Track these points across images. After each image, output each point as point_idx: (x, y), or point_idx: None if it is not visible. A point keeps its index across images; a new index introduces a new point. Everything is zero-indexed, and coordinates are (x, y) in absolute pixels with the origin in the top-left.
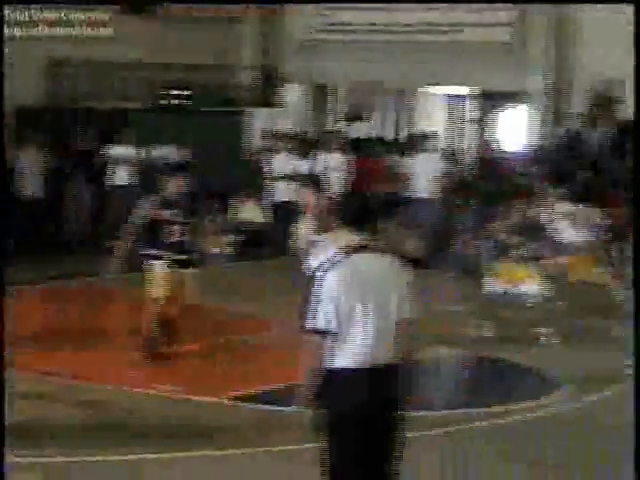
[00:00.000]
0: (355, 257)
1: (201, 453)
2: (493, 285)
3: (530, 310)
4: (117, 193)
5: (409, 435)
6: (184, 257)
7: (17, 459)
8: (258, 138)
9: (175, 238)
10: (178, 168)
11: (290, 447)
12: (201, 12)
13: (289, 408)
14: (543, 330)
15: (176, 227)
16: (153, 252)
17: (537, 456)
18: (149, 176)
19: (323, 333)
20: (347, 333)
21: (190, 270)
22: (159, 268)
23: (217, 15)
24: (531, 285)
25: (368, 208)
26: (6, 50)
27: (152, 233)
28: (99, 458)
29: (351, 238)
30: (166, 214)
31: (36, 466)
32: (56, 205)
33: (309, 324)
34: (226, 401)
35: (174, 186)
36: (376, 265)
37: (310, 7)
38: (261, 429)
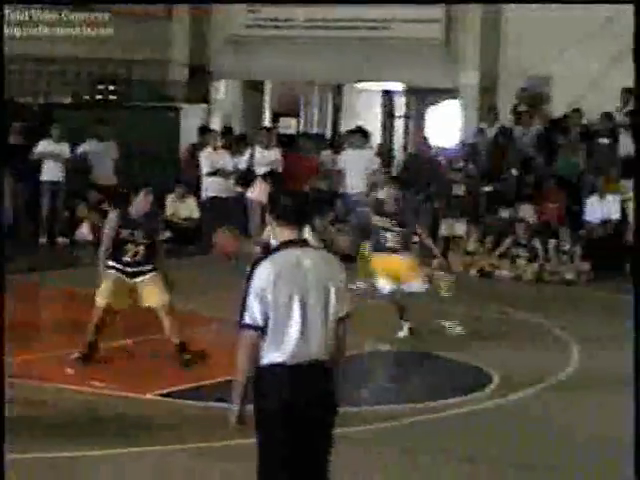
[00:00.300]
0: (287, 252)
1: (127, 450)
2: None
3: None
4: (47, 189)
5: (339, 431)
6: (136, 270)
7: None
8: (190, 134)
9: (129, 257)
10: (145, 185)
11: (217, 444)
12: (131, 7)
13: (219, 404)
14: (447, 322)
15: (131, 246)
16: (110, 263)
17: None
18: (78, 172)
19: (254, 328)
20: (277, 329)
21: (141, 278)
22: (108, 277)
23: (149, 11)
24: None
25: (304, 205)
26: None
27: (114, 246)
28: (30, 456)
29: (286, 234)
30: (125, 233)
31: None
32: None
33: (242, 319)
34: (152, 397)
35: (140, 204)
36: (309, 260)
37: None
38: (188, 425)
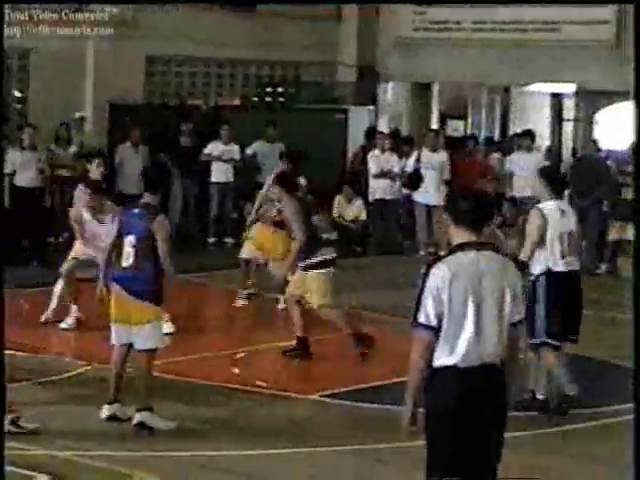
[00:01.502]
0: (463, 254)
1: (292, 450)
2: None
3: None
4: (216, 190)
5: (509, 435)
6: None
7: None
8: (358, 136)
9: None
10: None
11: (384, 445)
12: (299, 9)
13: (391, 406)
14: None
15: None
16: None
17: None
18: (247, 174)
19: (428, 328)
20: (451, 330)
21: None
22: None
23: (317, 13)
24: None
25: (482, 207)
26: (107, 48)
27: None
28: (200, 454)
29: (463, 236)
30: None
31: None
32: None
33: (416, 320)
34: (318, 397)
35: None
36: (485, 263)
37: (408, 5)
38: (354, 427)
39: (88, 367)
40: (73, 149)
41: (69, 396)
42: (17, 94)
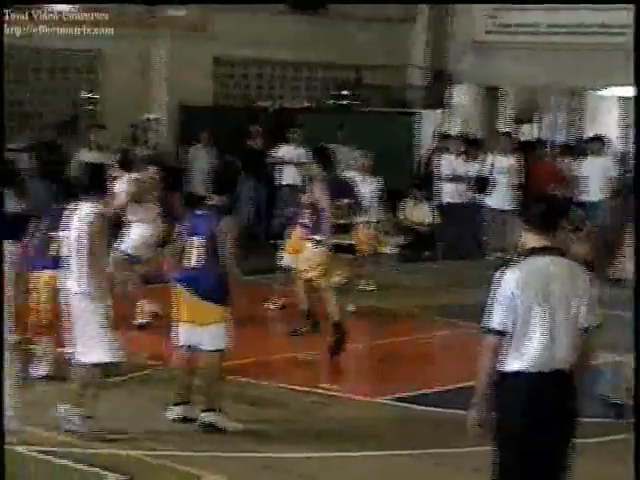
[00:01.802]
0: (535, 259)
1: (357, 454)
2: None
3: None
4: (285, 192)
5: (579, 442)
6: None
7: None
8: (428, 139)
9: None
10: None
11: (450, 450)
12: (370, 11)
13: (457, 410)
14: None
15: None
16: None
17: None
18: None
19: (499, 334)
20: (521, 335)
21: None
22: None
23: (388, 15)
24: None
25: (555, 212)
26: (172, 50)
27: None
28: (261, 455)
29: (535, 241)
30: None
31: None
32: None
33: (486, 324)
34: (383, 400)
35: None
36: (557, 268)
37: (479, 7)
38: (420, 431)
39: (157, 367)
40: (145, 151)
41: (138, 395)
42: (87, 95)
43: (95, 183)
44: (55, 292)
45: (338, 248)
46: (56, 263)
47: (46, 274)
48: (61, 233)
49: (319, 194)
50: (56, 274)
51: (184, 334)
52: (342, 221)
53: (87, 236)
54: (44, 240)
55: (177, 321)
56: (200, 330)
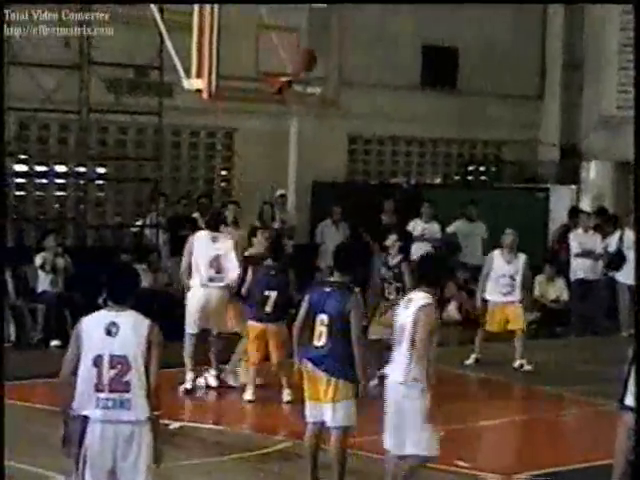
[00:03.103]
0: None
1: None
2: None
3: None
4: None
5: None
6: None
7: None
8: (559, 215)
9: None
10: None
11: None
12: (503, 88)
13: None
14: None
15: None
16: None
17: None
18: (447, 251)
19: (634, 411)
20: None
21: None
22: None
23: (519, 91)
24: None
25: None
26: (309, 127)
27: None
28: None
29: None
30: None
31: None
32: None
33: (622, 402)
34: (521, 478)
35: None
36: None
37: (611, 83)
38: None
39: (287, 443)
40: (276, 225)
41: (268, 473)
42: (222, 172)
43: None
44: None
45: None
46: None
47: None
48: None
49: None
50: None
51: (312, 410)
52: None
53: None
54: None
55: (306, 398)
56: (326, 407)
